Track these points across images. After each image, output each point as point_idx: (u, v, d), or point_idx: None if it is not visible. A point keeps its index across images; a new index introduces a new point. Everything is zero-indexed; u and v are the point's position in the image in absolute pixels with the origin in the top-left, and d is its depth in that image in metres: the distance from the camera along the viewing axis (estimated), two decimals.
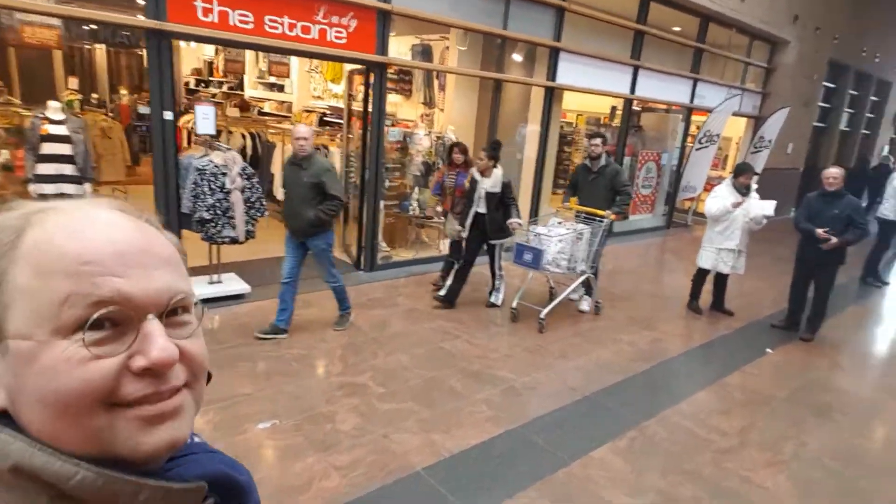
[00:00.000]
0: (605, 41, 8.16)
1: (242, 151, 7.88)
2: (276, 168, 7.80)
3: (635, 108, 10.90)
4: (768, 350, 5.16)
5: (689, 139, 10.78)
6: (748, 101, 11.72)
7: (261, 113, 11.51)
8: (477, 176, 5.31)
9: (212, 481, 0.55)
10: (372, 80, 5.74)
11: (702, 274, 5.94)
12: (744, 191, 5.56)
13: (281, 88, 11.87)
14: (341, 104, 9.72)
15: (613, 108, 10.58)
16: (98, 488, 0.45)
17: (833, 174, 5.05)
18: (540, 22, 7.14)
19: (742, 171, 5.60)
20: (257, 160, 8.03)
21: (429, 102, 8.74)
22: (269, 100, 12.19)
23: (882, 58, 15.26)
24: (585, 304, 5.74)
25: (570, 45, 7.49)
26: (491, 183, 5.24)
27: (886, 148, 18.20)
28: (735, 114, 11.43)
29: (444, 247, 7.36)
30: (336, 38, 5.27)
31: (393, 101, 9.48)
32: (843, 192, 5.09)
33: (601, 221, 5.27)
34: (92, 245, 0.48)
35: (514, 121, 7.92)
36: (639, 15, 8.47)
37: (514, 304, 5.28)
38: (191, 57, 12.61)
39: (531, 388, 4.03)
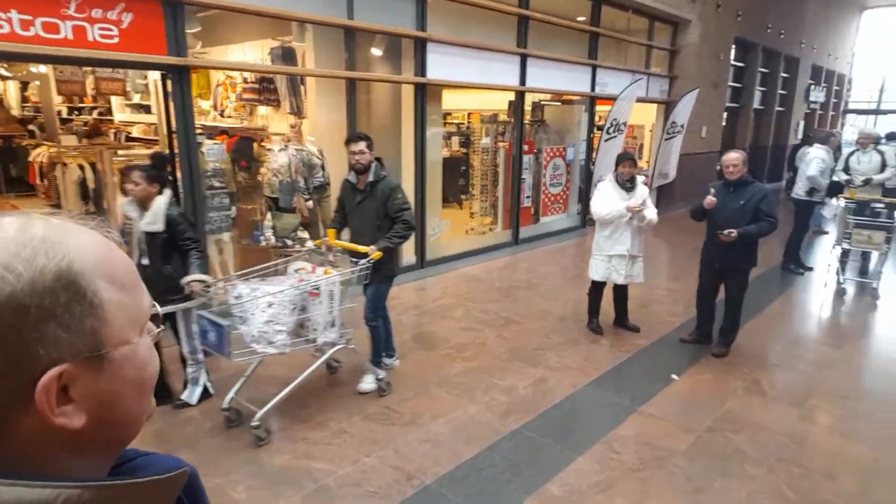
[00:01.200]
0: (485, 29, 7.26)
1: (82, 184, 6.57)
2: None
3: (537, 101, 10.12)
4: (674, 377, 4.28)
5: (598, 130, 10.07)
6: (655, 86, 11.12)
7: (129, 138, 10.14)
8: (130, 209, 3.52)
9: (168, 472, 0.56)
10: (171, 87, 4.58)
11: (597, 287, 5.04)
12: (627, 184, 4.70)
13: (148, 109, 10.52)
14: (214, 122, 8.58)
15: (511, 103, 9.70)
16: (84, 502, 0.46)
17: (733, 160, 4.24)
18: (398, 10, 6.16)
19: (621, 160, 4.75)
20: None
21: (297, 112, 7.63)
22: (137, 123, 10.81)
23: (787, 34, 15.13)
24: (368, 383, 3.93)
25: (440, 35, 6.54)
26: (150, 218, 3.45)
27: (801, 124, 18.24)
28: (642, 100, 10.79)
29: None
30: (102, 37, 4.09)
31: (262, 113, 8.40)
32: (749, 180, 4.30)
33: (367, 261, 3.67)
34: (127, 260, 0.57)
35: (388, 124, 6.89)
36: None
37: (226, 403, 3.46)
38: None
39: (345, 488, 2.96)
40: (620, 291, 5.07)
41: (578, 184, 9.89)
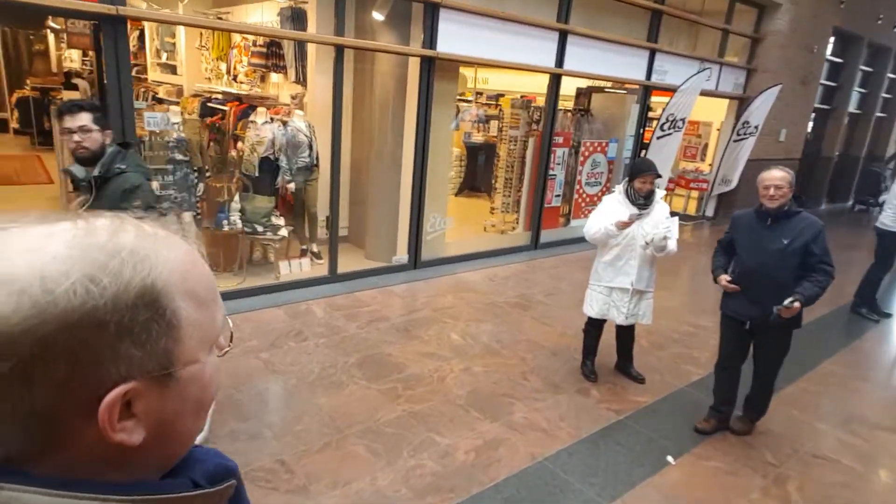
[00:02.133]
0: None
1: None
2: None
3: (583, 87, 8.94)
4: (669, 459, 3.28)
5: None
6: (729, 79, 9.64)
7: (155, 99, 9.83)
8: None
9: (214, 476, 0.56)
10: (103, 42, 3.91)
11: (594, 324, 4.05)
12: (641, 200, 3.66)
13: (174, 70, 10.16)
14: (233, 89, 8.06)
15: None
16: None
17: (776, 179, 3.10)
18: None
19: (638, 171, 3.69)
20: None
21: (302, 81, 6.91)
22: (165, 83, 10.49)
23: None
24: None
25: (455, 1, 5.57)
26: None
27: None
28: (709, 93, 9.39)
29: (288, 268, 5.56)
30: None
31: (275, 81, 7.75)
32: (794, 210, 3.17)
33: None
34: (208, 273, 0.54)
35: (392, 103, 6.03)
36: None
37: None
38: None
39: None
40: (625, 330, 4.06)
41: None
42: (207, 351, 0.53)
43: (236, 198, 5.42)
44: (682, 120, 8.50)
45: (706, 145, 10.83)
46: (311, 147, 5.74)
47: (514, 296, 5.71)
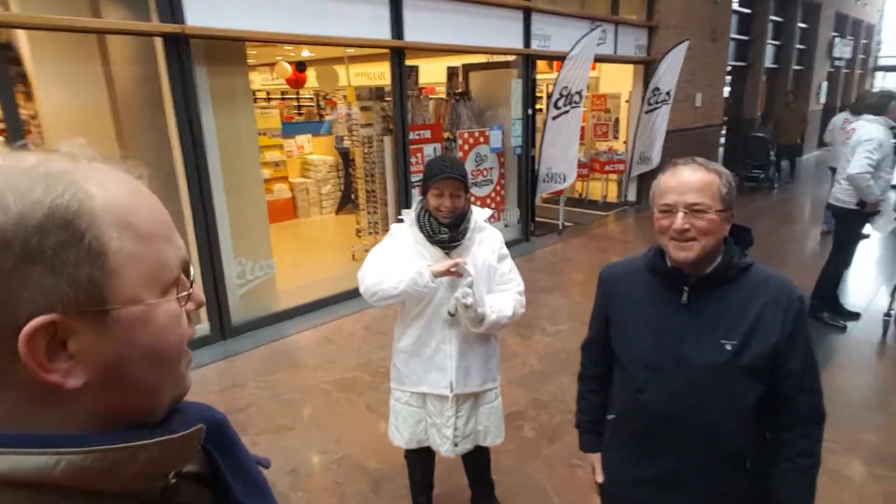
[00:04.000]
0: None
1: None
2: None
3: (453, 66, 7.31)
4: None
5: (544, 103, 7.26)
6: (628, 40, 8.20)
7: None
8: None
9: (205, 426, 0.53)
10: None
11: (416, 455, 2.32)
12: (443, 232, 1.98)
13: None
14: None
15: (397, 69, 6.67)
16: (87, 468, 0.43)
17: (690, 189, 1.25)
18: None
19: (429, 178, 1.95)
20: None
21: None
22: None
23: None
24: None
25: None
26: None
27: (825, 85, 15.13)
28: (607, 59, 7.94)
29: None
30: None
31: None
32: (739, 262, 1.32)
33: None
34: (158, 208, 0.51)
35: (148, 113, 4.15)
36: None
37: None
38: None
39: None
40: (476, 452, 2.35)
41: (525, 180, 7.10)
42: (156, 292, 0.49)
43: None
44: (580, 93, 6.98)
45: (617, 120, 9.41)
46: None
47: (354, 366, 3.95)
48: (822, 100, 15.17)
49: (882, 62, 21.26)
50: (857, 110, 5.15)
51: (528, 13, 6.36)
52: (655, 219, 1.31)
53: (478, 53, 6.28)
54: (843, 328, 4.36)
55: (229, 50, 4.24)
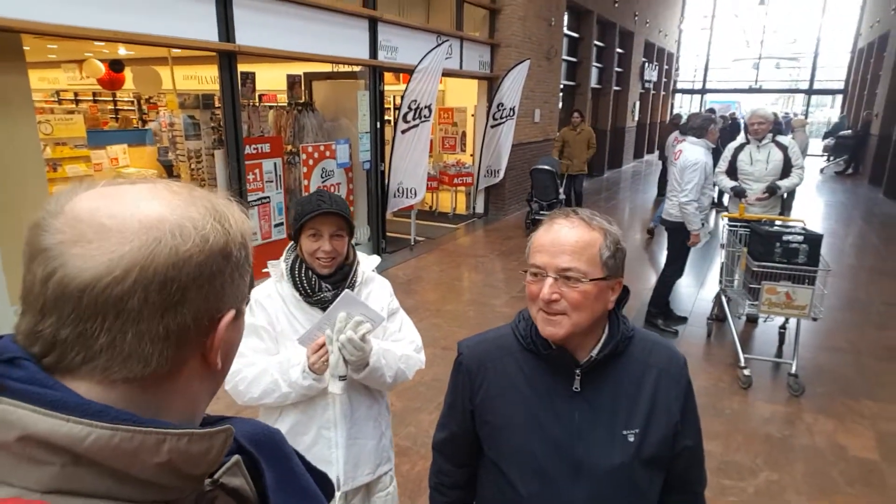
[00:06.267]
0: None
1: None
2: None
3: (295, 75, 6.81)
4: None
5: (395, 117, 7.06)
6: (473, 55, 8.35)
7: None
8: None
9: (249, 438, 0.58)
10: None
11: None
12: (325, 290, 1.63)
13: None
14: None
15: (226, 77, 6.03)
16: (115, 446, 0.45)
17: (563, 248, 1.04)
18: None
19: (302, 217, 1.56)
20: None
21: None
22: None
23: (620, 4, 13.35)
24: None
25: None
26: None
27: (637, 105, 17.02)
28: (453, 73, 7.99)
29: None
30: None
31: None
32: (626, 332, 1.13)
33: None
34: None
35: None
36: None
37: None
38: None
39: None
40: None
41: (374, 197, 6.79)
42: (241, 304, 0.58)
43: None
44: (429, 108, 6.89)
45: (464, 133, 9.55)
46: None
47: None
48: (636, 117, 17.04)
49: (680, 86, 24.59)
50: (684, 131, 5.64)
51: (374, 23, 6.11)
52: (526, 282, 1.08)
53: (320, 62, 5.86)
54: (675, 333, 4.71)
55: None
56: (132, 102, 11.93)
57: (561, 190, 8.19)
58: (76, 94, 12.29)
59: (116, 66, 9.13)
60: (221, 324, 0.52)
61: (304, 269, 1.60)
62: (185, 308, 0.49)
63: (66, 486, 0.44)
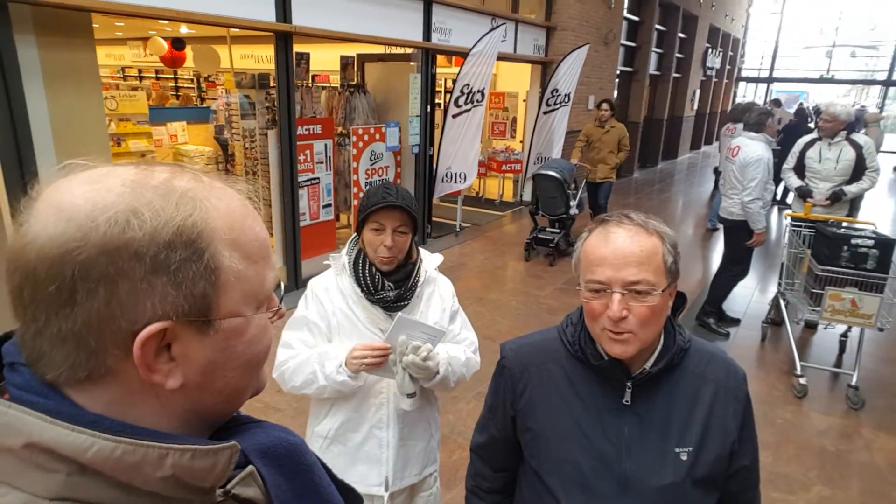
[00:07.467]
0: None
1: None
2: None
3: (349, 56, 6.83)
4: None
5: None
6: (527, 39, 8.17)
7: None
8: None
9: (264, 450, 0.55)
10: None
11: None
12: (387, 290, 1.61)
13: None
14: None
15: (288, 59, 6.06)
16: (117, 458, 0.44)
17: (627, 260, 0.97)
18: None
19: (368, 208, 1.52)
20: None
21: None
22: None
23: None
24: None
25: None
26: None
27: (697, 93, 16.32)
28: (508, 57, 7.83)
29: None
30: None
31: None
32: (682, 344, 1.08)
33: None
34: (262, 230, 0.55)
35: None
36: None
37: None
38: None
39: None
40: None
41: (425, 181, 6.80)
42: (253, 307, 0.53)
43: None
44: (482, 92, 6.81)
45: (515, 119, 9.40)
46: None
47: None
48: (695, 106, 16.36)
49: (745, 73, 23.43)
50: (737, 118, 5.37)
51: (428, 4, 6.05)
52: (583, 297, 1.01)
53: (374, 44, 5.85)
54: (727, 335, 4.53)
55: (67, 19, 3.50)
56: (192, 80, 12.30)
57: (573, 203, 6.14)
58: (140, 71, 12.74)
59: (178, 44, 9.40)
60: (141, 335, 0.45)
61: (367, 265, 1.57)
62: (74, 310, 0.44)
63: (74, 494, 0.44)
